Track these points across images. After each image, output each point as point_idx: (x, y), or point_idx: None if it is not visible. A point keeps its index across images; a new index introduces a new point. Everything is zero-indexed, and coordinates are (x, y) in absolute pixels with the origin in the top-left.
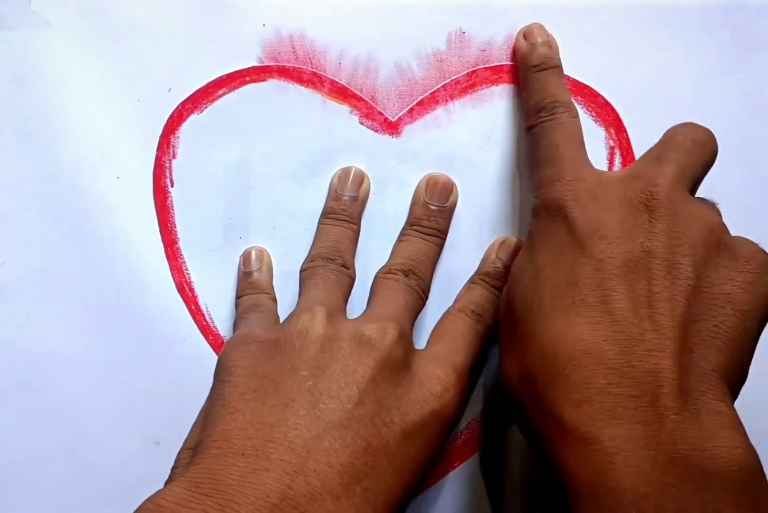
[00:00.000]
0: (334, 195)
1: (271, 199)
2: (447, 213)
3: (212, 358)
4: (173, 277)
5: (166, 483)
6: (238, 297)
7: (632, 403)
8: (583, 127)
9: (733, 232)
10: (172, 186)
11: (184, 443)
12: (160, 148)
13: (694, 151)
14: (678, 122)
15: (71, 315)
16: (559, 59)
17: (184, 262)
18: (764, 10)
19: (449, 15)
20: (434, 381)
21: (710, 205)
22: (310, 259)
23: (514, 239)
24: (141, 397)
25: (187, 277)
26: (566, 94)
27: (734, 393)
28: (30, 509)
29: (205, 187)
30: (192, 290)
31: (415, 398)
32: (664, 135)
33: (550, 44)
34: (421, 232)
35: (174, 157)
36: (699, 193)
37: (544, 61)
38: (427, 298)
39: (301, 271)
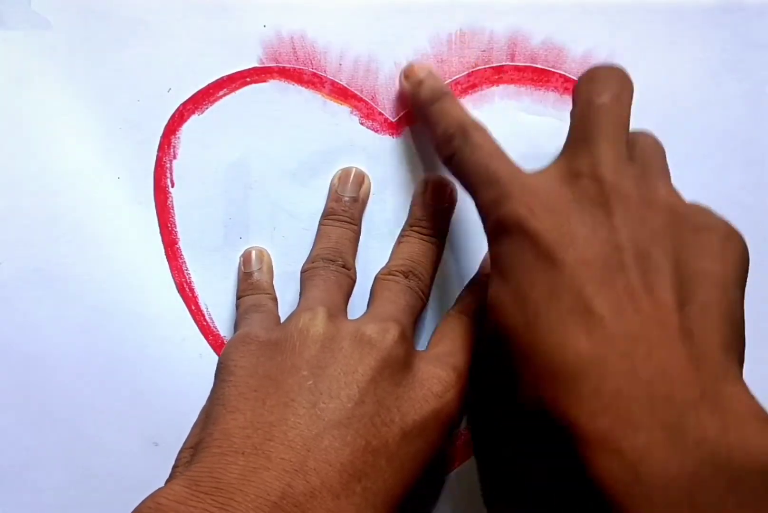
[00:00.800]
0: (334, 196)
1: (271, 199)
2: (446, 214)
3: (212, 358)
4: (173, 277)
5: (167, 482)
6: (238, 297)
7: (647, 405)
8: None
9: None
10: (172, 186)
11: (185, 442)
12: (160, 148)
13: (616, 107)
14: (678, 122)
15: (71, 315)
16: (448, 85)
17: (185, 262)
18: (764, 10)
19: (449, 15)
20: (434, 380)
21: (656, 170)
22: (311, 260)
23: None
24: (141, 398)
25: (187, 277)
26: (469, 116)
27: (741, 362)
28: (29, 509)
29: (206, 188)
30: (192, 290)
31: (415, 398)
32: (576, 100)
33: (433, 75)
34: (420, 233)
35: (174, 157)
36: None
37: (433, 92)
38: (427, 299)
39: (302, 272)
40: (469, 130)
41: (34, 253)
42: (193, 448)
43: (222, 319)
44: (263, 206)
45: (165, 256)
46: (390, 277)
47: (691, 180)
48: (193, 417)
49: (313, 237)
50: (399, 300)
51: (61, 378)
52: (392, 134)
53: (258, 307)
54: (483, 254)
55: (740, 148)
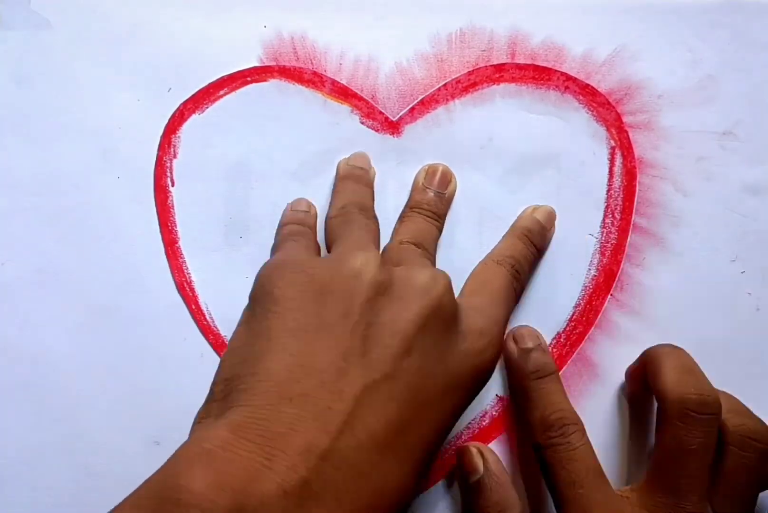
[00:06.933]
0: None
1: (272, 199)
2: (446, 200)
3: (213, 358)
4: (173, 277)
5: (199, 413)
6: (281, 226)
7: None
8: (584, 127)
9: (737, 233)
10: (172, 185)
11: (218, 373)
12: (161, 147)
13: (707, 456)
14: (677, 122)
15: (71, 315)
16: (554, 362)
17: (185, 261)
18: (764, 10)
19: (449, 15)
20: (477, 334)
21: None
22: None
23: (548, 207)
24: (141, 397)
25: (187, 276)
26: (570, 406)
27: None
28: (30, 509)
29: (206, 187)
30: (192, 290)
31: (458, 351)
32: (665, 433)
33: (543, 348)
34: (421, 214)
35: (175, 156)
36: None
37: (540, 367)
38: None
39: (331, 218)
40: (570, 426)
41: (35, 253)
42: (229, 381)
43: (222, 319)
44: (264, 205)
45: (165, 256)
46: (403, 246)
47: (691, 180)
48: (194, 416)
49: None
50: (424, 260)
51: (62, 377)
52: (393, 133)
53: (303, 234)
54: (483, 254)
55: (740, 149)
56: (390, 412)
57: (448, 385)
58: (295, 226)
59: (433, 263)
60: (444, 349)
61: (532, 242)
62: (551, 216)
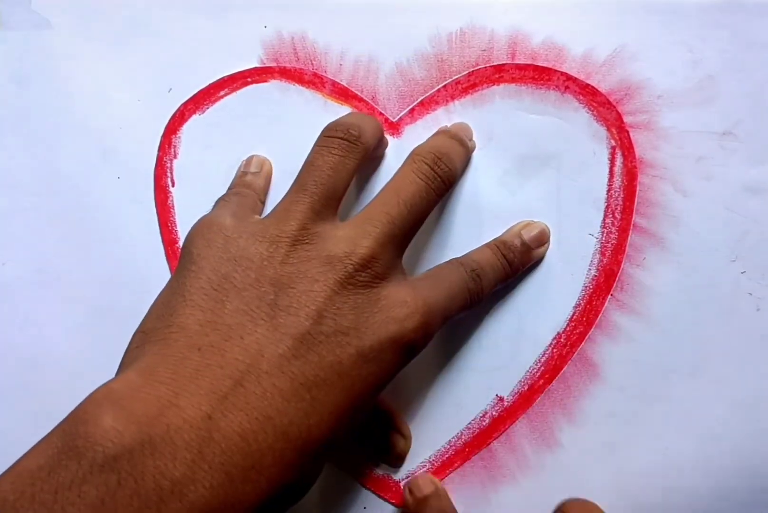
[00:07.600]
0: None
1: (272, 199)
2: (465, 154)
3: None
4: None
5: (120, 366)
6: (227, 189)
7: None
8: (584, 127)
9: (737, 233)
10: (173, 186)
11: (140, 325)
12: (161, 148)
13: None
14: (677, 122)
15: (71, 315)
16: (452, 507)
17: None
18: (764, 10)
19: (449, 15)
20: (398, 304)
21: None
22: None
23: (542, 225)
24: None
25: None
26: None
27: None
28: None
29: (206, 187)
30: None
31: (375, 322)
32: None
33: (440, 493)
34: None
35: (175, 157)
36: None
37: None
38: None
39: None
40: None
41: (35, 253)
42: (145, 333)
43: None
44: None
45: (165, 256)
46: (414, 163)
47: (690, 180)
48: None
49: None
50: (406, 195)
51: (61, 378)
52: (393, 134)
53: (241, 195)
54: (481, 235)
55: (740, 148)
56: (295, 368)
57: (362, 355)
58: (236, 188)
59: (451, 179)
60: (359, 321)
61: (503, 255)
62: (541, 234)
